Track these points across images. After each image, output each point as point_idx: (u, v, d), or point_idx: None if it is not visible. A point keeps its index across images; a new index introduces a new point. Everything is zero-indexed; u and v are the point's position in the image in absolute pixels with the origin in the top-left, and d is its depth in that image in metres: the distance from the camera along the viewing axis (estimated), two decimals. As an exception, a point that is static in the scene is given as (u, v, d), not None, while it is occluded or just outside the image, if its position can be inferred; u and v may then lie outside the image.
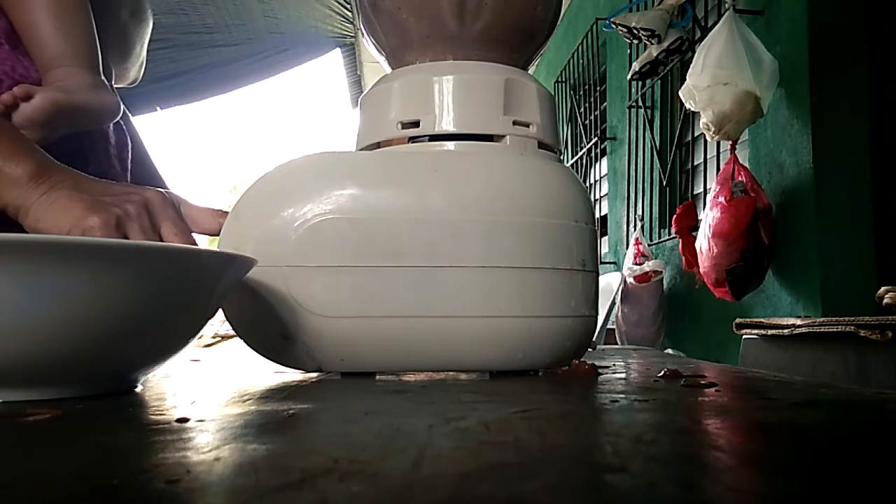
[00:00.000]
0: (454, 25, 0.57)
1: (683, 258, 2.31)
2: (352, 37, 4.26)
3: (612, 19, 2.65)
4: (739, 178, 1.99)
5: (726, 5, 2.02)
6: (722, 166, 2.12)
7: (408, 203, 0.52)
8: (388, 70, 0.62)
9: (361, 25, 0.62)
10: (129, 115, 1.02)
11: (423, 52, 0.59)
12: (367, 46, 0.64)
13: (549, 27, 0.62)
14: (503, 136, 0.56)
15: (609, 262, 3.45)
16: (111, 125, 0.92)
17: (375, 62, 0.65)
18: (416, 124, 0.56)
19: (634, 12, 2.57)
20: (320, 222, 0.51)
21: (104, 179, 0.57)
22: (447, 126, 0.56)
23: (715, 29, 2.00)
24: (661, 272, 2.74)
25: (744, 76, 1.87)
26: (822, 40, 1.90)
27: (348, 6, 3.81)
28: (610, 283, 2.91)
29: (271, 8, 3.66)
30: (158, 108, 4.18)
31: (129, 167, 0.95)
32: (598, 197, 3.97)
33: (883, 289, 1.21)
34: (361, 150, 0.59)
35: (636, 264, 2.79)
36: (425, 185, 0.53)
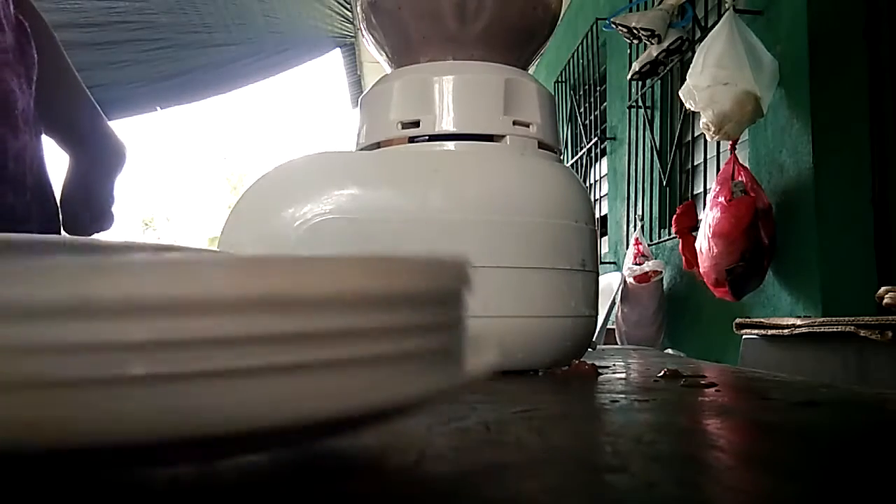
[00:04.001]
0: (454, 25, 0.57)
1: (683, 258, 2.31)
2: (352, 37, 4.26)
3: (612, 19, 2.64)
4: (739, 178, 1.98)
5: (726, 5, 2.02)
6: (722, 166, 2.12)
7: (407, 203, 0.52)
8: (388, 70, 0.62)
9: (361, 25, 0.62)
10: (54, 33, 0.84)
11: (424, 51, 0.59)
12: (367, 46, 0.64)
13: (549, 27, 0.62)
14: (503, 137, 0.56)
15: (609, 262, 3.45)
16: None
17: (375, 62, 0.65)
18: (416, 124, 0.56)
19: (634, 12, 2.57)
20: (320, 222, 0.51)
21: None
22: (447, 126, 0.56)
23: (715, 29, 1.99)
24: (661, 272, 2.74)
25: (744, 76, 1.87)
26: (822, 40, 1.90)
27: (348, 6, 3.82)
28: (610, 283, 2.91)
29: (271, 8, 3.66)
30: (158, 108, 4.18)
31: (34, 89, 0.78)
32: (598, 197, 3.97)
33: (883, 289, 1.21)
34: (361, 150, 0.59)
35: (636, 264, 2.79)
36: (425, 185, 0.53)
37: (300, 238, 0.51)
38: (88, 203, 0.86)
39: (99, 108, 0.90)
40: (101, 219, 0.88)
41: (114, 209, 0.90)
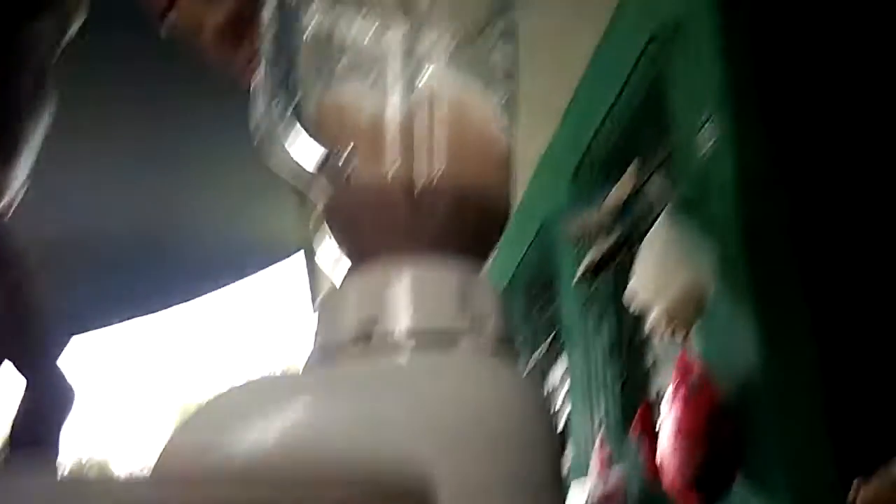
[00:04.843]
0: (409, 223, 0.59)
1: (647, 467, 2.19)
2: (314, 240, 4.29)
3: (560, 224, 2.74)
4: (694, 375, 1.96)
5: (663, 206, 2.11)
6: (676, 363, 2.11)
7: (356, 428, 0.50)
8: (346, 265, 0.62)
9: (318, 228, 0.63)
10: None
11: (379, 251, 0.60)
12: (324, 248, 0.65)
13: (501, 223, 0.64)
14: (460, 335, 0.55)
15: (572, 471, 3.30)
16: None
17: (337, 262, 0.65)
18: (372, 323, 0.55)
19: (577, 217, 2.68)
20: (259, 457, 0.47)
21: None
22: (402, 325, 0.55)
23: (652, 230, 2.06)
24: (626, 486, 2.61)
25: (686, 274, 1.91)
26: (754, 237, 1.96)
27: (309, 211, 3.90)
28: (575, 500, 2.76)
29: (232, 215, 3.70)
30: (113, 322, 4.10)
31: None
32: (557, 401, 3.89)
33: (853, 488, 1.17)
34: (316, 354, 0.57)
35: (600, 475, 2.66)
36: (377, 405, 0.51)
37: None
38: (36, 442, 0.89)
39: (55, 350, 0.95)
40: (46, 455, 0.90)
41: (58, 447, 0.93)
